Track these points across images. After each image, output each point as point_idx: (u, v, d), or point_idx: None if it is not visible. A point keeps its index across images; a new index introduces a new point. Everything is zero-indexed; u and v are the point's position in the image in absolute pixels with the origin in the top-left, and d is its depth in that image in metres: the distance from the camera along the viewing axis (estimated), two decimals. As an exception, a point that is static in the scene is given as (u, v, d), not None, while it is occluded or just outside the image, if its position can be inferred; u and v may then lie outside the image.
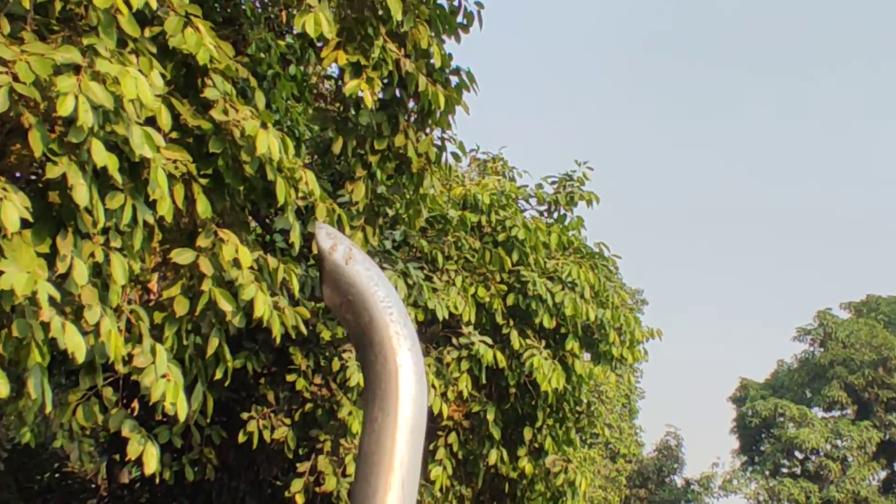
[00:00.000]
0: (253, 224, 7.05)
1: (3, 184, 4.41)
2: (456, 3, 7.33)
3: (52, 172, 4.59)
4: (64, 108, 4.36)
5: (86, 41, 4.83)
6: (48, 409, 5.47)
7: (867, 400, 32.00)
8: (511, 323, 8.53)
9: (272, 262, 6.83)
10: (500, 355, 8.27)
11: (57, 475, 9.15)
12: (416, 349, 1.59)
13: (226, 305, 6.21)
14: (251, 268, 6.41)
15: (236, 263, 6.20)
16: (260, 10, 7.35)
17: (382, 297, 1.41)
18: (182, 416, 6.10)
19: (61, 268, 4.84)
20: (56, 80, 4.43)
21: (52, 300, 4.61)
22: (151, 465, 6.35)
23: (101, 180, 5.01)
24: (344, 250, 1.52)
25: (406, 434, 1.38)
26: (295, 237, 7.08)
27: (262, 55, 7.00)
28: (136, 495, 9.22)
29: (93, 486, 9.00)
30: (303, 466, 8.53)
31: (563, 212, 10.10)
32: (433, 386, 8.00)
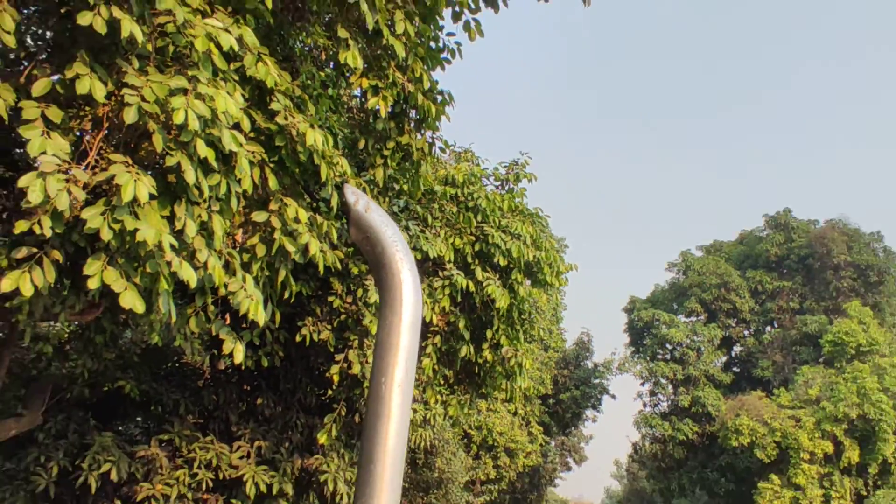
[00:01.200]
0: (305, 195, 7.52)
1: (137, 170, 5.00)
2: (441, 45, 8.27)
3: (170, 161, 5.24)
4: (177, 118, 5.02)
5: (190, 73, 5.40)
6: (173, 319, 6.30)
7: (713, 310, 36.51)
8: (476, 262, 9.72)
9: (319, 219, 7.29)
10: (470, 283, 9.50)
11: (176, 365, 10.54)
12: (413, 269, 1.74)
13: (290, 248, 6.86)
14: (306, 223, 6.87)
15: (296, 220, 6.80)
16: (307, 51, 8.25)
17: (391, 234, 1.88)
18: (261, 323, 6.84)
19: (178, 225, 5.46)
20: (171, 100, 5.06)
21: (172, 247, 5.28)
22: (239, 356, 7.26)
23: (203, 166, 5.56)
24: (364, 203, 1.95)
25: (408, 327, 1.68)
26: (333, 203, 7.54)
27: (309, 81, 7.79)
28: (229, 377, 10.71)
29: (200, 371, 10.37)
30: (338, 357, 9.71)
31: (511, 186, 11.13)
32: (425, 303, 8.75)
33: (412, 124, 8.60)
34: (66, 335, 9.70)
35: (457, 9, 8.02)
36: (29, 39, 7.17)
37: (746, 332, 38.22)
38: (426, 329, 9.98)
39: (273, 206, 6.90)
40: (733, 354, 37.89)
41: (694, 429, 32.59)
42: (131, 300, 5.30)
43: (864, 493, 29.61)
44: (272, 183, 6.73)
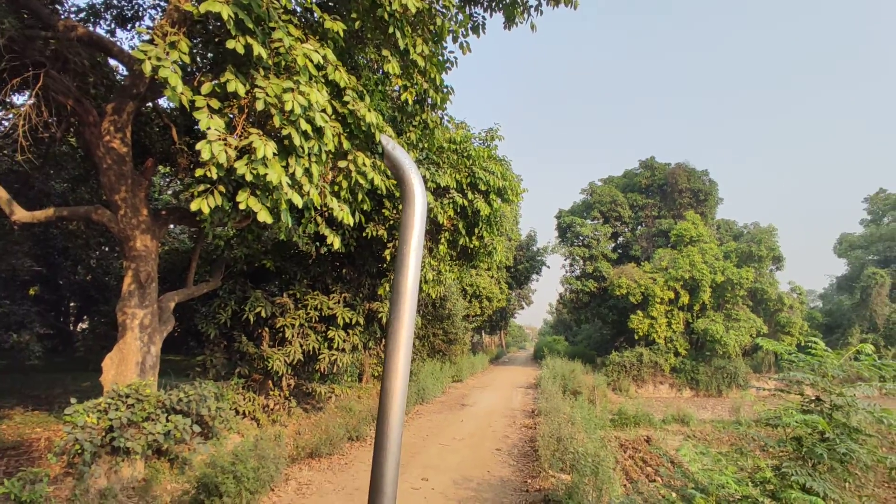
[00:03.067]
0: (367, 150, 7.42)
1: (265, 138, 5.09)
2: (446, 58, 7.86)
3: (284, 132, 5.27)
4: (287, 106, 5.05)
5: (295, 78, 5.35)
6: (289, 224, 6.24)
7: (608, 216, 35.81)
8: (469, 188, 9.64)
9: (378, 162, 7.34)
10: (465, 201, 9.50)
11: (295, 251, 10.47)
12: (420, 181, 1.59)
13: (361, 181, 6.92)
14: (370, 165, 6.92)
15: (363, 164, 6.80)
16: (366, 62, 7.91)
17: (408, 164, 1.88)
18: (350, 223, 6.88)
19: (290, 171, 5.52)
20: (283, 95, 5.07)
21: (288, 184, 5.47)
22: (337, 244, 7.50)
23: (304, 136, 5.48)
24: (392, 144, 1.89)
25: (418, 216, 1.81)
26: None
27: (367, 81, 7.61)
28: (326, 258, 10.72)
29: (309, 255, 10.22)
30: (389, 245, 9.75)
31: (489, 143, 10.92)
32: (439, 212, 9.36)
33: (429, 107, 8.35)
34: (231, 235, 9.85)
35: (455, 35, 7.87)
36: (198, 59, 7.18)
37: (626, 230, 38.04)
38: (440, 228, 10.13)
39: (349, 157, 6.84)
40: (618, 242, 37.81)
41: (594, 285, 32.91)
42: (265, 216, 5.57)
43: (690, 321, 30.10)
44: (346, 144, 6.68)
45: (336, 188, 7.14)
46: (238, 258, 10.20)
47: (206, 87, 5.28)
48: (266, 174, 5.19)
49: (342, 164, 6.83)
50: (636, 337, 29.70)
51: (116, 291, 14.35)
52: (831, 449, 3.97)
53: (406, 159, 1.47)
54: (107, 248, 17.13)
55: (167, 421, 6.93)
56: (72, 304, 19.54)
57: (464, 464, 8.58)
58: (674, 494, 4.05)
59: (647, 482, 9.82)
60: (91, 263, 17.29)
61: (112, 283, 16.89)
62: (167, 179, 15.48)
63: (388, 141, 1.47)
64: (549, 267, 48.74)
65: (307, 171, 5.92)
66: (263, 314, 9.84)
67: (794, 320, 31.13)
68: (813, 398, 4.56)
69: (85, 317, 19.72)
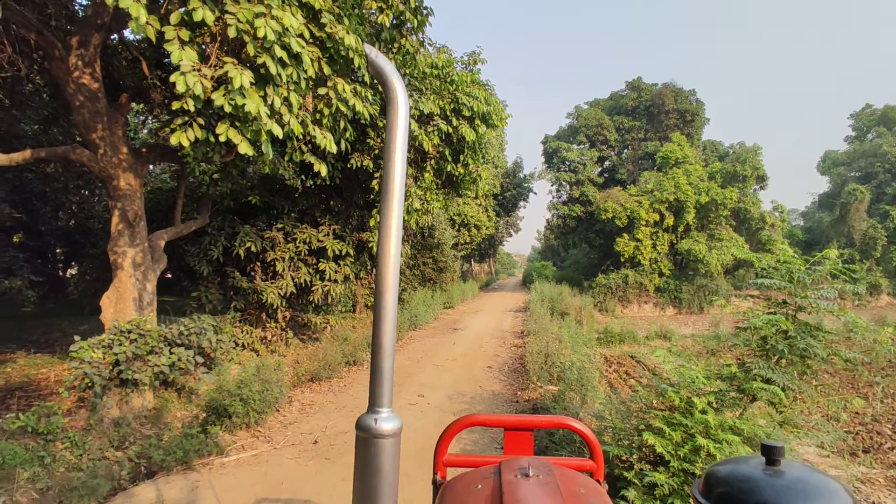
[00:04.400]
0: (348, 76, 7.10)
1: (241, 67, 4.92)
2: None
3: (260, 61, 5.00)
4: (260, 33, 4.78)
5: (267, 1, 4.95)
6: (270, 156, 6.22)
7: (594, 140, 35.19)
8: (453, 115, 9.46)
9: (359, 88, 7.18)
10: (449, 128, 9.34)
11: (281, 184, 10.43)
12: (402, 86, 1.52)
13: (343, 108, 6.69)
14: (350, 92, 6.61)
15: (345, 91, 6.52)
16: None
17: (390, 70, 1.45)
18: (333, 151, 6.64)
19: (269, 100, 5.29)
20: (256, 21, 4.78)
21: (267, 115, 5.30)
22: (323, 171, 7.14)
23: (281, 63, 5.23)
24: (376, 52, 1.56)
25: (401, 118, 1.32)
26: (366, 78, 7.67)
27: (342, 2, 6.80)
28: (312, 190, 10.70)
29: (296, 188, 10.19)
30: (376, 174, 9.53)
31: (472, 68, 10.62)
32: (424, 140, 9.13)
33: (408, 31, 8.01)
34: (215, 171, 9.76)
35: None
36: None
37: (613, 153, 37.78)
38: (425, 156, 10.04)
39: (329, 84, 6.58)
40: (604, 166, 37.62)
41: (581, 210, 33.19)
42: (246, 147, 5.47)
43: (675, 242, 30.71)
44: (326, 70, 6.37)
45: (318, 116, 6.93)
46: (224, 194, 10.15)
47: (174, 17, 4.87)
48: (244, 104, 5.04)
49: (322, 90, 6.61)
50: (622, 259, 30.41)
51: (103, 235, 14.33)
52: (792, 345, 4.34)
53: (388, 65, 1.50)
54: (87, 192, 16.88)
55: (170, 353, 7.22)
56: (58, 251, 19.48)
57: (457, 381, 9.10)
58: (648, 391, 4.44)
59: (629, 391, 10.52)
60: (73, 208, 17.09)
61: (97, 226, 16.78)
62: (141, 117, 15.03)
63: (371, 49, 1.55)
64: (535, 193, 49.38)
65: (286, 101, 5.72)
66: (254, 249, 9.98)
67: (775, 238, 31.92)
68: (780, 301, 4.89)
69: (73, 262, 19.71)
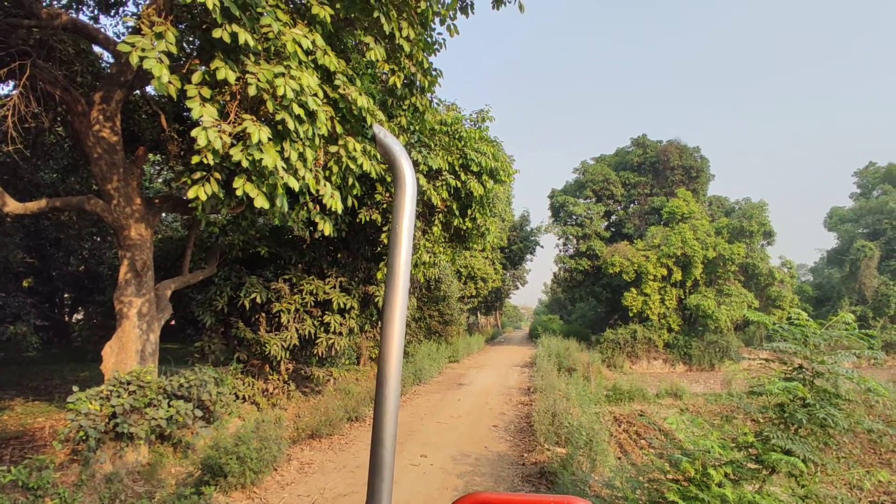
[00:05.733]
0: (359, 135, 7.25)
1: (259, 124, 5.09)
2: (433, 40, 7.83)
3: (278, 117, 5.22)
4: (279, 91, 5.01)
5: (285, 63, 5.30)
6: (285, 210, 6.26)
7: (600, 195, 35.63)
8: (461, 170, 9.55)
9: (368, 147, 7.21)
10: (458, 182, 9.46)
11: (289, 236, 10.58)
12: (409, 164, 1.50)
13: (352, 166, 6.83)
14: (360, 151, 6.85)
15: (354, 149, 6.77)
16: (355, 45, 7.70)
17: (398, 150, 1.38)
18: (339, 210, 6.66)
19: (285, 155, 5.53)
20: (275, 80, 5.03)
21: (284, 168, 5.49)
22: (328, 230, 7.46)
23: (297, 120, 5.45)
24: (383, 132, 1.20)
25: (409, 199, 1.32)
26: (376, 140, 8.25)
27: (357, 65, 7.36)
28: (320, 242, 10.78)
29: (304, 240, 10.38)
30: (385, 228, 9.91)
31: (480, 125, 10.80)
32: (432, 194, 9.35)
33: (418, 90, 8.25)
34: (225, 222, 9.85)
35: (442, 18, 7.67)
36: (185, 45, 7.08)
37: (619, 208, 38.14)
38: (433, 210, 10.18)
39: (340, 142, 6.80)
40: (611, 220, 37.88)
41: (588, 263, 33.14)
42: (261, 201, 5.60)
43: (683, 297, 30.41)
44: (339, 128, 6.65)
45: (327, 173, 7.08)
46: (233, 245, 10.22)
47: (196, 77, 5.19)
48: (262, 159, 5.19)
49: (333, 148, 6.79)
50: (630, 314, 30.05)
51: (111, 281, 14.35)
52: (811, 414, 4.16)
53: (396, 145, 1.51)
54: (99, 239, 17.10)
55: (169, 406, 7.06)
56: (66, 296, 19.54)
57: (461, 440, 8.79)
58: (661, 460, 4.23)
59: (640, 453, 10.11)
60: (84, 254, 17.24)
61: (106, 272, 16.88)
62: (157, 168, 15.41)
63: (380, 129, 1.55)
64: (542, 247, 49.31)
65: (301, 156, 5.91)
66: (259, 300, 9.92)
67: (785, 294, 31.55)
68: (796, 366, 4.74)
69: (80, 308, 19.72)
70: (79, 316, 19.95)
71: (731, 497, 3.45)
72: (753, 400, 4.89)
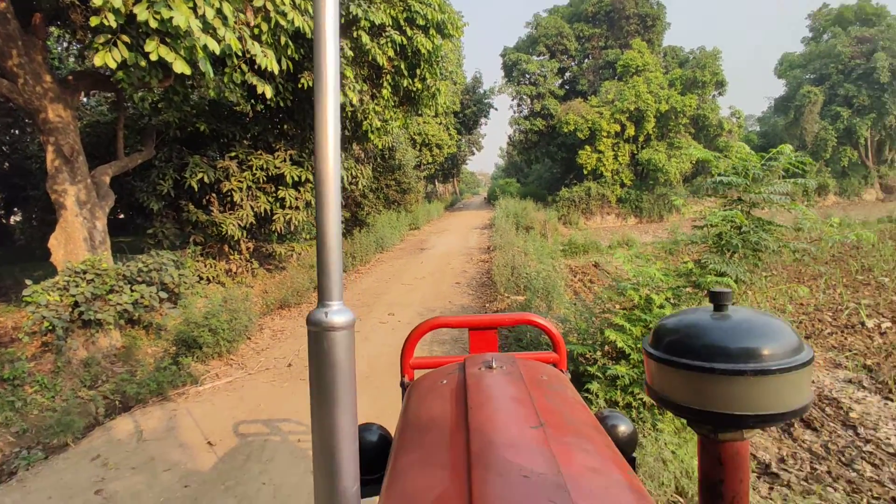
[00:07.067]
0: None
1: None
2: None
3: None
4: None
5: None
6: (210, 74, 5.75)
7: (553, 50, 33.97)
8: (406, 25, 8.95)
9: (298, 0, 6.64)
10: (403, 38, 8.86)
11: (227, 112, 10.05)
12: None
13: (282, 22, 6.37)
14: (290, 4, 6.36)
15: (283, 3, 6.26)
16: None
17: None
18: (276, 71, 6.51)
19: (200, 12, 5.00)
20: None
21: (200, 28, 5.02)
22: (269, 93, 7.22)
23: None
24: None
25: (331, 36, 1.50)
26: None
27: None
28: (264, 115, 10.19)
29: (246, 113, 9.98)
30: None
31: None
32: (378, 53, 8.69)
33: None
34: (157, 98, 9.12)
35: None
36: None
37: (573, 63, 36.79)
38: (380, 71, 9.59)
39: (268, -4, 6.00)
40: (565, 77, 36.72)
41: (542, 123, 32.80)
42: (181, 66, 5.18)
43: (635, 152, 30.95)
44: None
45: (256, 31, 6.48)
46: (169, 124, 9.53)
47: None
48: (171, 17, 4.66)
49: (258, 2, 6.13)
50: (585, 172, 30.62)
51: (42, 175, 13.40)
52: (745, 239, 4.50)
53: None
54: (17, 131, 15.72)
55: (132, 291, 7.06)
56: (-2, 197, 18.29)
57: (426, 298, 9.26)
58: (610, 291, 4.60)
59: (592, 296, 10.93)
60: (4, 149, 15.90)
61: (34, 166, 15.72)
62: (65, 43, 13.72)
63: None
64: (496, 109, 48.06)
65: (220, 12, 5.31)
66: (206, 180, 9.55)
67: (732, 144, 32.42)
68: (735, 199, 5.02)
69: (15, 208, 18.63)
70: (17, 218, 18.91)
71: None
72: (696, 233, 5.23)
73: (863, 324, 7.95)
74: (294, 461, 3.91)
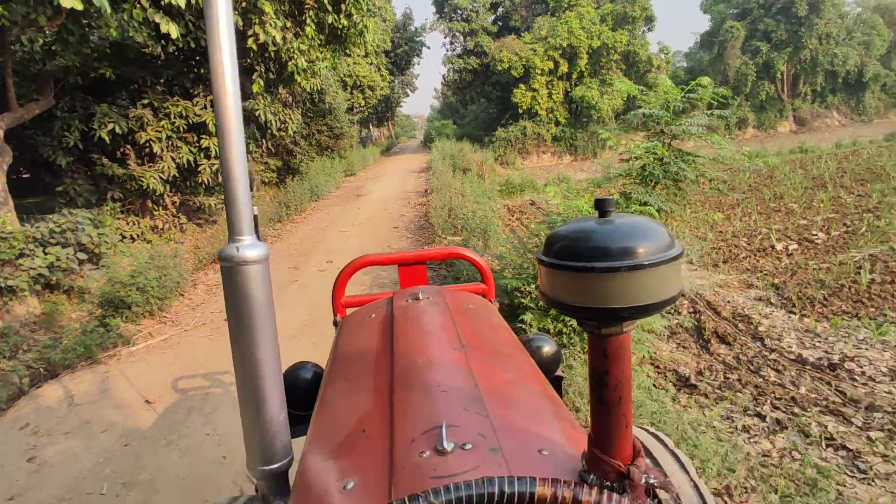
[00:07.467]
0: None
1: None
2: None
3: None
4: None
5: None
6: (107, 9, 5.28)
7: None
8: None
9: None
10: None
11: (133, 55, 9.15)
12: None
13: None
14: None
15: None
16: None
17: None
18: (183, 6, 6.16)
19: None
20: None
21: None
22: (174, 33, 6.74)
23: None
24: None
25: None
26: None
27: None
28: (177, 57, 9.43)
29: (157, 56, 9.11)
30: (249, 32, 8.10)
31: None
32: None
33: None
34: (50, 39, 8.21)
35: None
36: None
37: (506, -1, 36.13)
38: (303, 7, 8.98)
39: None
40: (498, 13, 35.84)
41: (476, 62, 32.24)
42: (69, 1, 4.69)
43: (569, 90, 31.14)
44: None
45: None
46: (67, 69, 8.60)
47: None
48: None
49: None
50: (520, 111, 30.61)
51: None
52: (666, 170, 4.72)
53: None
54: None
55: (45, 254, 6.60)
56: None
57: (364, 244, 9.21)
58: (542, 225, 4.74)
59: (527, 233, 11.25)
60: None
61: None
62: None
63: None
64: (429, 48, 46.69)
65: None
66: (119, 130, 8.83)
67: (661, 80, 33.19)
68: (658, 132, 5.22)
69: None
70: None
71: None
72: (623, 166, 5.42)
73: (773, 247, 8.67)
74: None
